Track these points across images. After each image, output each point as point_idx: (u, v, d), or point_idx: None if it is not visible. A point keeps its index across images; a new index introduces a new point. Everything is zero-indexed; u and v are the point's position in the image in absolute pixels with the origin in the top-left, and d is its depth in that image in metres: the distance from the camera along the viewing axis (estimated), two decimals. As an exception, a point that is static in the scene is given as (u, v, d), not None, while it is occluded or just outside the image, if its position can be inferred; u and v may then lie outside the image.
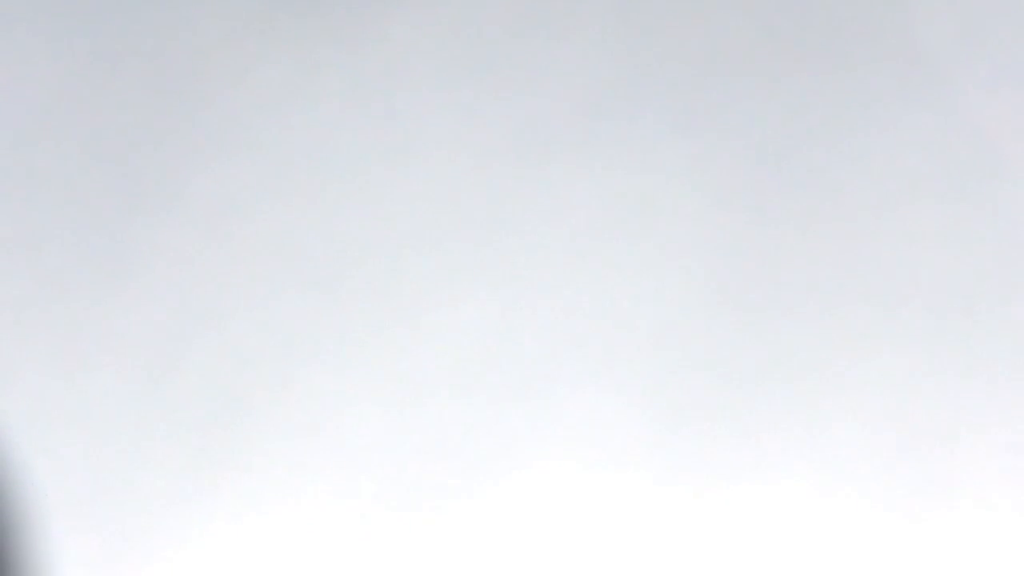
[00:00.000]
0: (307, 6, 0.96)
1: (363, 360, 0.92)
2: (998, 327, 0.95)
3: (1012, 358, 0.94)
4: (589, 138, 0.94)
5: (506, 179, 0.94)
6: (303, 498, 0.92)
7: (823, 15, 0.96)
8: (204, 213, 0.94)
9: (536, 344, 0.95)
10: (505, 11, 0.96)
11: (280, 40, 0.96)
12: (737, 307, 0.94)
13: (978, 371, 0.93)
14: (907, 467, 0.93)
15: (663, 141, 0.94)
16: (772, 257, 0.93)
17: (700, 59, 0.95)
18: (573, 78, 0.96)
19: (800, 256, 0.94)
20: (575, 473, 0.93)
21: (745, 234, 0.94)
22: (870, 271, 0.95)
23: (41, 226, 0.95)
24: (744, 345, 0.93)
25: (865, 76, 0.97)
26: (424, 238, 0.95)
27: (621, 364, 0.94)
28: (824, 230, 0.96)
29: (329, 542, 0.91)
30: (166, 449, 0.92)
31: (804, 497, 0.93)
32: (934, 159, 0.97)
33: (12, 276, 0.93)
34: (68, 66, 0.95)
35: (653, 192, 0.94)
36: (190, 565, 0.90)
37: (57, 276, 0.93)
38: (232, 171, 0.94)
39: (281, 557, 0.91)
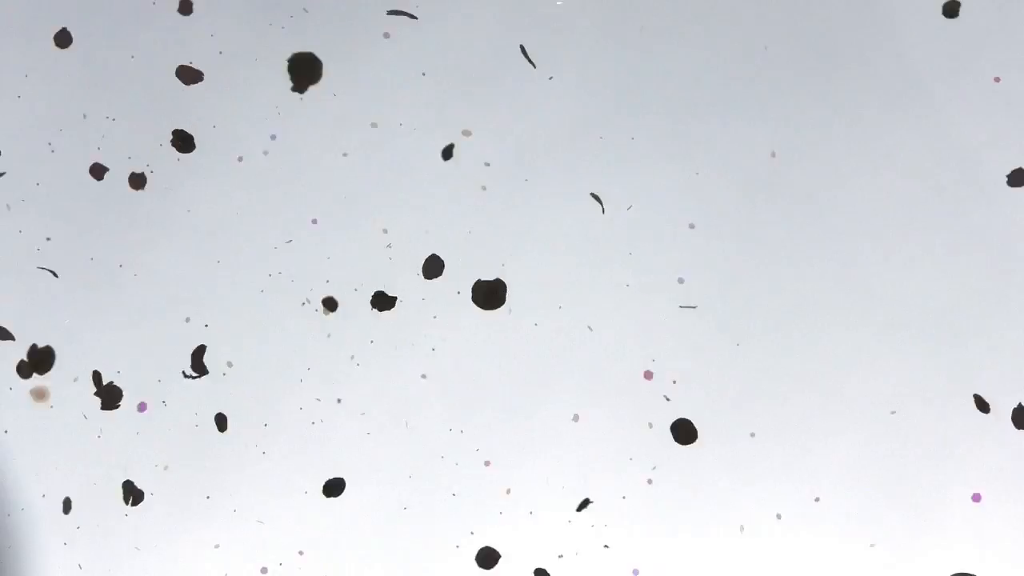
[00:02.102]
0: (300, 28, 0.96)
1: (353, 383, 0.93)
2: (986, 346, 0.95)
3: (1000, 377, 0.95)
4: (578, 163, 0.94)
5: (497, 203, 0.95)
6: (292, 519, 0.93)
7: (813, 39, 0.96)
8: (195, 234, 0.95)
9: (527, 365, 0.95)
10: (496, 33, 0.96)
11: (273, 62, 0.96)
12: (728, 327, 0.94)
13: (966, 391, 0.94)
14: (896, 488, 0.93)
15: (653, 163, 0.95)
16: (762, 277, 0.94)
17: (691, 82, 0.95)
18: (563, 104, 0.96)
19: (790, 277, 0.95)
20: (565, 490, 0.93)
21: (735, 253, 0.95)
22: (860, 292, 0.95)
23: (32, 246, 0.95)
24: (734, 364, 0.94)
25: (855, 99, 0.97)
26: (415, 260, 0.95)
27: (613, 382, 0.94)
28: (813, 250, 0.96)
29: (318, 563, 0.92)
30: (156, 469, 0.93)
31: (794, 514, 0.94)
32: (923, 179, 0.97)
33: (2, 297, 0.94)
34: (66, 87, 0.95)
35: (644, 213, 0.94)
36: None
37: (48, 296, 0.93)
38: (225, 192, 0.94)
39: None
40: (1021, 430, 0.95)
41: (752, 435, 0.92)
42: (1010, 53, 0.97)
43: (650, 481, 0.92)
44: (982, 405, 0.95)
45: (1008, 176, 0.98)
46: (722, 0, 0.97)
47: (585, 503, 0.92)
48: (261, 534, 0.92)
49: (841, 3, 0.98)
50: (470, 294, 0.94)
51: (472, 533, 0.91)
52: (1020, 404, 0.95)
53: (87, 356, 0.92)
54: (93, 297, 0.93)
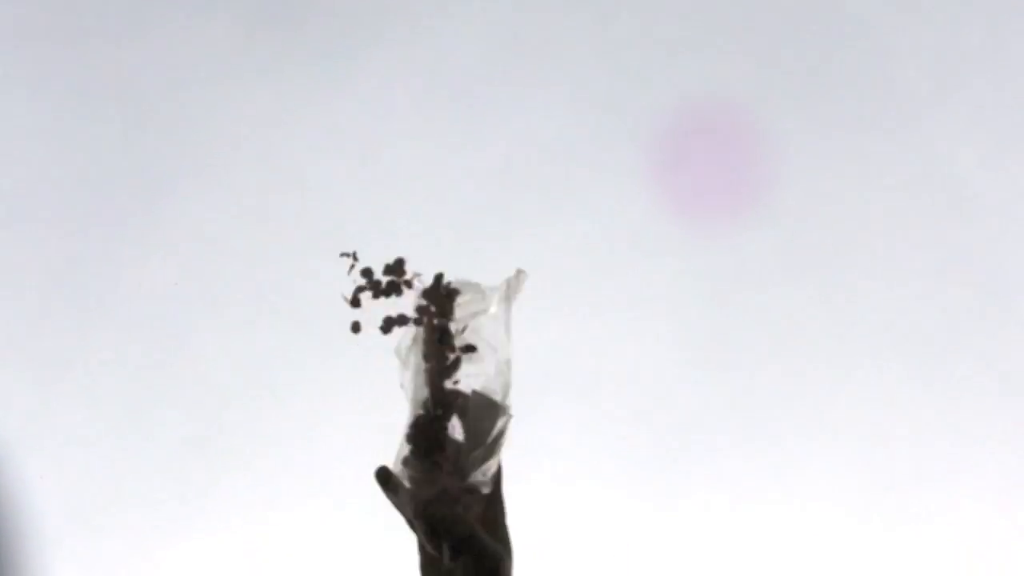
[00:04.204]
0: (288, 42, 0.96)
1: (339, 395, 0.93)
2: (969, 365, 0.96)
3: (982, 396, 0.95)
4: (562, 177, 0.95)
5: (486, 215, 0.95)
6: (280, 528, 0.92)
7: (803, 63, 0.97)
8: (183, 248, 0.95)
9: (520, 383, 0.96)
10: (481, 49, 0.97)
11: (261, 75, 0.97)
12: (712, 345, 0.95)
13: (951, 410, 0.94)
14: (875, 503, 0.94)
15: (635, 184, 0.95)
16: (747, 299, 0.94)
17: (675, 105, 0.96)
18: (547, 117, 0.96)
19: (776, 296, 0.95)
20: (558, 501, 0.93)
21: (719, 276, 0.95)
22: (846, 313, 0.96)
23: (22, 261, 0.95)
24: (719, 382, 0.94)
25: (845, 122, 0.98)
26: (414, 272, 0.95)
27: (605, 403, 0.95)
28: (798, 268, 0.97)
29: (305, 572, 0.92)
30: (145, 480, 0.93)
31: (772, 520, 0.94)
32: (909, 201, 0.98)
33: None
34: (49, 101, 0.95)
35: (625, 235, 0.95)
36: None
37: (38, 310, 0.93)
38: (213, 206, 0.94)
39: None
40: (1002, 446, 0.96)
41: (744, 446, 0.92)
42: (998, 78, 0.99)
43: (633, 495, 0.93)
44: (966, 420, 0.96)
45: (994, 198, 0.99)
46: (719, 26, 0.98)
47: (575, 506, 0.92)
48: (256, 538, 0.92)
49: (836, 27, 0.99)
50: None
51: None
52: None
53: (84, 368, 0.92)
54: (88, 307, 0.93)
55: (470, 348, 0.68)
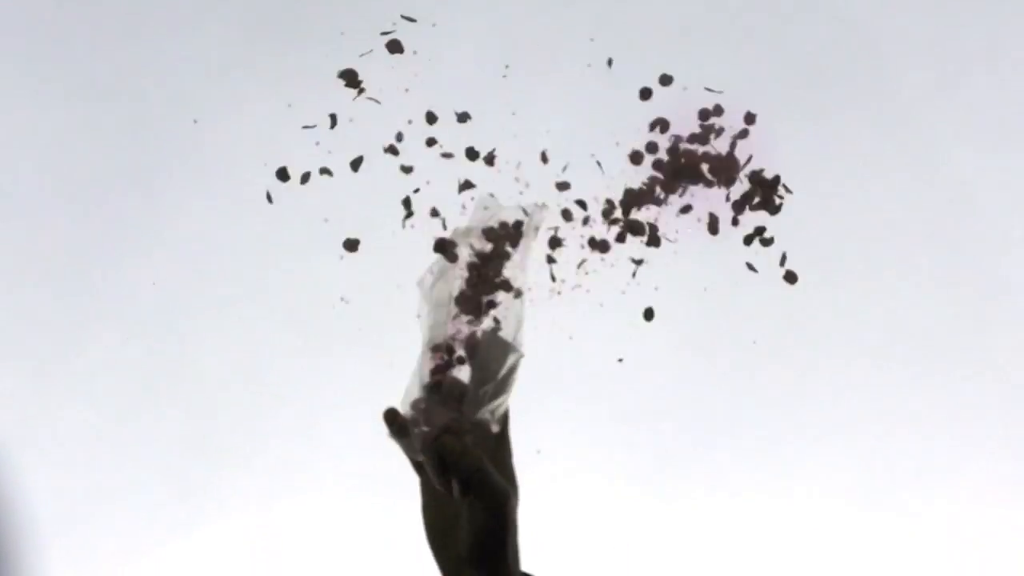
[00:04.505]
0: (288, 48, 0.97)
1: (337, 398, 0.93)
2: (969, 366, 0.96)
3: (982, 396, 0.96)
4: (561, 176, 0.95)
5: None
6: (279, 528, 0.92)
7: (802, 62, 0.97)
8: (183, 251, 0.95)
9: (532, 385, 0.96)
10: (481, 49, 0.97)
11: (261, 80, 0.97)
12: (712, 345, 0.95)
13: (951, 410, 0.94)
14: (876, 503, 0.94)
15: (634, 183, 0.96)
16: (747, 299, 0.95)
17: (674, 103, 0.96)
18: (547, 116, 0.97)
19: (776, 297, 0.95)
20: (557, 501, 0.93)
21: (719, 275, 0.95)
22: (847, 312, 0.96)
23: (21, 260, 0.95)
24: (719, 382, 0.95)
25: (848, 126, 0.98)
26: (403, 277, 0.96)
27: (605, 403, 0.95)
28: (799, 268, 0.97)
29: (305, 571, 0.92)
30: (144, 479, 0.93)
31: (773, 520, 0.94)
32: (909, 201, 0.98)
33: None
34: (52, 105, 0.96)
35: (637, 240, 0.95)
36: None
37: (37, 308, 0.93)
38: (213, 205, 0.95)
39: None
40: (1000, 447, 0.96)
41: (744, 446, 0.92)
42: (998, 78, 0.99)
43: (637, 490, 0.93)
44: (966, 420, 0.96)
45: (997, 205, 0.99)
46: (718, 24, 0.98)
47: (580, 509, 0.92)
48: (255, 538, 0.92)
49: (835, 26, 1.00)
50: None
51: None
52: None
53: (84, 365, 0.92)
54: (88, 306, 0.93)
55: (507, 286, 0.68)
